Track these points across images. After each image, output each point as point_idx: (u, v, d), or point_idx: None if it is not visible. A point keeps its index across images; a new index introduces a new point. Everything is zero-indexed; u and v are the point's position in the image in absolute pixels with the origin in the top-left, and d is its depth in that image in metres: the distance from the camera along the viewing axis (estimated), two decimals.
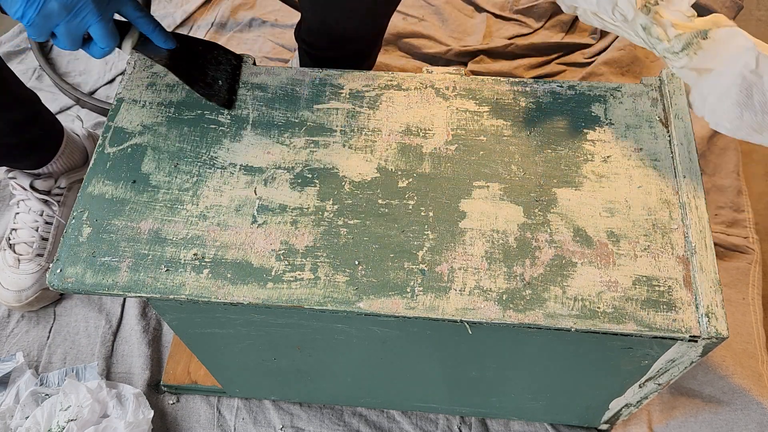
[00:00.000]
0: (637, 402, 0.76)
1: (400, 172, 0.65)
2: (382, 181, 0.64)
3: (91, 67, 1.35)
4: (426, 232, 0.61)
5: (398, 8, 0.92)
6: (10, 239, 1.02)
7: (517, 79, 0.70)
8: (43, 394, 0.92)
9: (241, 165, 0.66)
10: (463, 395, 0.83)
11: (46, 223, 1.03)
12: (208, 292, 0.59)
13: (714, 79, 0.60)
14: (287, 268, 0.60)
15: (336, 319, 0.64)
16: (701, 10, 1.15)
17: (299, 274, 0.59)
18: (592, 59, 1.29)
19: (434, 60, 1.31)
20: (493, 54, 1.31)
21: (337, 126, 0.68)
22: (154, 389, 0.96)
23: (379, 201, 0.63)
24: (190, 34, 1.27)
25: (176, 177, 0.65)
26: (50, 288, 0.61)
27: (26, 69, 1.35)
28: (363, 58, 0.97)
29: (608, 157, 0.64)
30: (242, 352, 0.75)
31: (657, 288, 0.57)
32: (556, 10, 1.35)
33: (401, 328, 0.64)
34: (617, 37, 1.27)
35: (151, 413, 0.89)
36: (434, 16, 1.39)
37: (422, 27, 1.35)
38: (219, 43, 0.81)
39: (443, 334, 0.65)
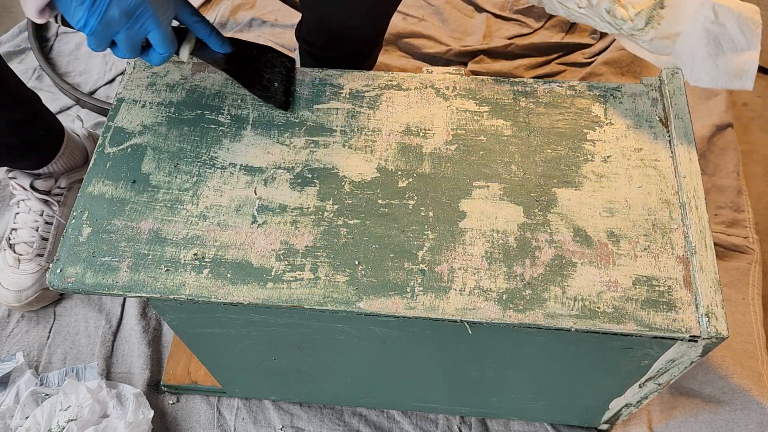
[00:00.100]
0: (637, 402, 0.76)
1: (400, 172, 0.65)
2: (382, 181, 0.64)
3: (91, 67, 1.35)
4: (426, 232, 0.61)
5: (398, 8, 0.92)
6: (10, 239, 1.02)
7: (517, 79, 0.70)
8: (43, 394, 0.92)
9: (241, 165, 0.66)
10: (463, 395, 0.83)
11: (46, 223, 1.03)
12: (208, 292, 0.59)
13: (684, 40, 0.62)
14: (287, 268, 0.60)
15: (336, 319, 0.64)
16: None
17: (299, 274, 0.59)
18: (592, 59, 1.29)
19: (434, 60, 1.31)
20: (493, 54, 1.31)
21: (337, 126, 0.68)
22: (154, 389, 0.96)
23: (379, 201, 0.63)
24: None
25: (176, 177, 0.65)
26: (50, 288, 0.61)
27: (26, 69, 1.35)
28: (363, 58, 0.97)
29: (608, 157, 0.64)
30: (242, 352, 0.75)
31: (657, 288, 0.57)
32: None
33: (401, 328, 0.64)
34: None
35: (151, 413, 0.89)
36: (434, 16, 1.39)
37: (422, 27, 1.35)
38: None
39: (443, 334, 0.65)
